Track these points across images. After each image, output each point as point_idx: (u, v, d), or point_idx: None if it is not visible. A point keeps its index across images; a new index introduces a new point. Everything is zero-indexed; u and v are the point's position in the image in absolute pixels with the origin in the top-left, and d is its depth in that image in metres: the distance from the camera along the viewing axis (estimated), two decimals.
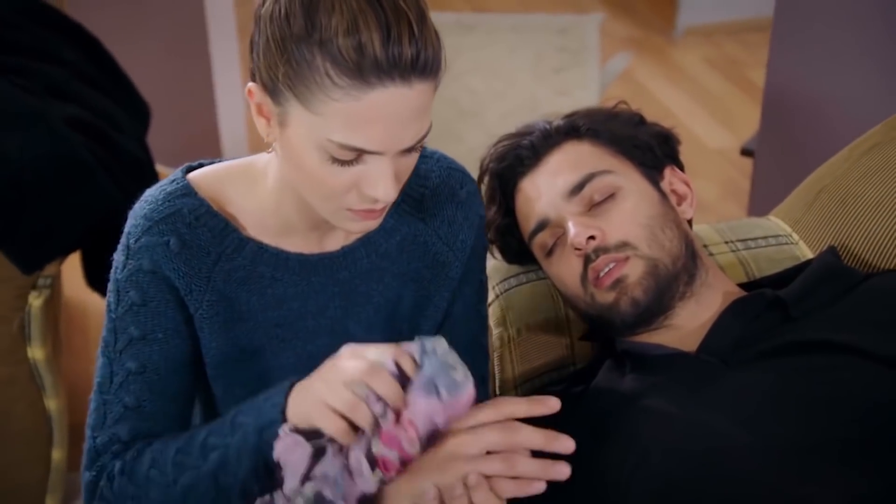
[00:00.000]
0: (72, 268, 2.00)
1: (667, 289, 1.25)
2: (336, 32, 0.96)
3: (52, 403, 1.89)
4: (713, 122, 3.52)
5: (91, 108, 1.92)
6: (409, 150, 1.04)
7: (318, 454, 1.02)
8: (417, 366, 1.02)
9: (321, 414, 1.01)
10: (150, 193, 1.16)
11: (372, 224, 1.09)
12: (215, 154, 2.78)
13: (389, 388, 1.00)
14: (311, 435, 1.02)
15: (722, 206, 3.04)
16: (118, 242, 1.15)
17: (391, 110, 0.99)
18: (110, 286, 1.16)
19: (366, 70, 0.96)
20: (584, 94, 3.56)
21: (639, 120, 1.39)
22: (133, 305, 1.14)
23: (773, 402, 1.14)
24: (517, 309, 1.41)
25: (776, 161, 2.22)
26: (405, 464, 1.02)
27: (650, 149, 1.35)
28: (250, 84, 1.05)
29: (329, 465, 1.02)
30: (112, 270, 1.16)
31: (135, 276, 1.13)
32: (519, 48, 4.02)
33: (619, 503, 1.13)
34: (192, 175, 1.17)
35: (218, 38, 2.90)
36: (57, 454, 1.93)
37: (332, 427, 1.01)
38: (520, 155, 1.35)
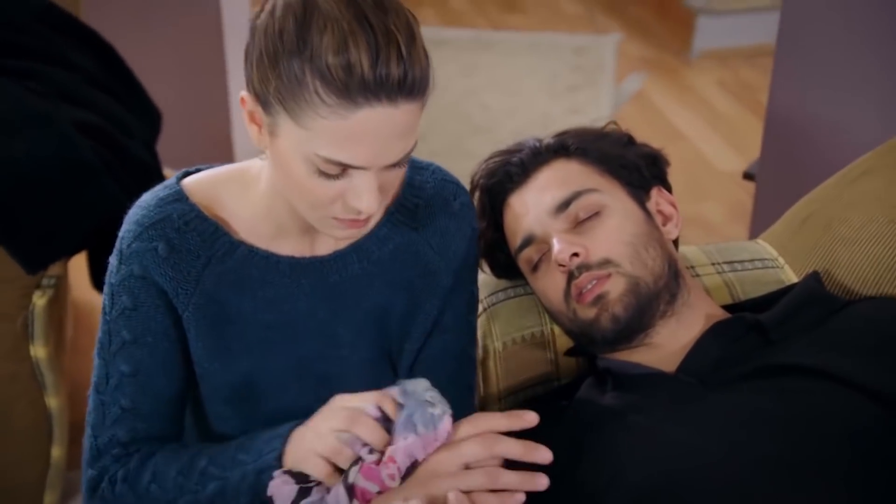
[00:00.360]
0: (80, 269, 2.03)
1: (647, 307, 1.27)
2: (326, 51, 0.98)
3: (52, 401, 1.92)
4: (724, 144, 3.53)
5: (101, 113, 1.96)
6: (394, 165, 1.07)
7: (304, 493, 1.09)
8: (399, 406, 1.08)
9: (308, 460, 1.08)
10: (144, 198, 1.20)
11: (358, 232, 1.12)
12: (228, 160, 2.82)
13: (372, 433, 1.07)
14: (302, 477, 1.09)
15: (728, 228, 3.05)
16: None
17: (377, 129, 1.01)
18: (105, 289, 1.20)
19: (354, 90, 0.99)
20: (596, 113, 3.58)
21: (627, 140, 1.41)
22: (125, 310, 1.18)
23: (747, 423, 1.16)
24: (503, 322, 1.43)
25: (777, 185, 2.23)
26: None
27: (637, 169, 1.37)
28: (243, 93, 1.08)
29: (312, 500, 1.08)
30: (107, 273, 1.20)
31: (127, 282, 1.17)
32: (535, 66, 4.05)
33: None
34: (185, 181, 1.20)
35: (233, 46, 2.94)
36: (56, 452, 1.96)
37: (317, 470, 1.08)
38: (509, 171, 1.37)
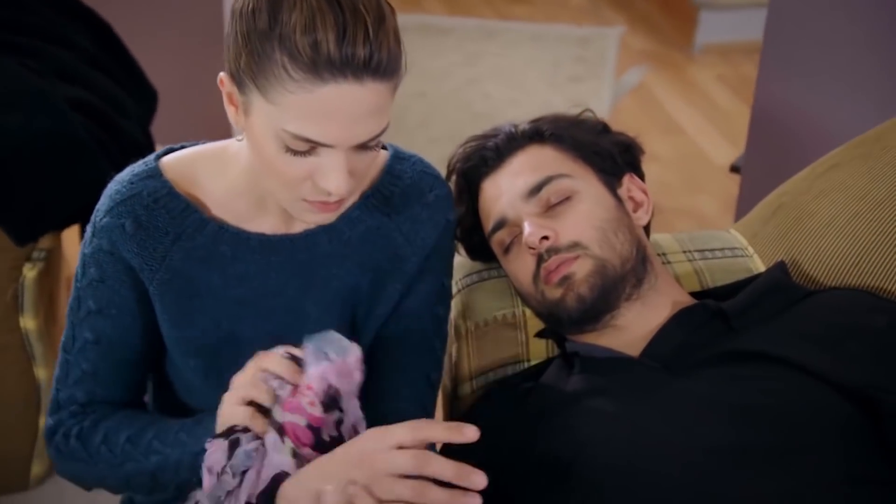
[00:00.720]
0: (76, 244, 2.07)
1: (613, 288, 1.30)
2: (294, 29, 1.01)
3: (41, 372, 1.96)
4: (721, 139, 3.55)
5: (98, 92, 1.99)
6: (364, 148, 1.09)
7: (234, 444, 1.09)
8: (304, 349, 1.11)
9: (230, 409, 1.11)
10: (122, 173, 1.23)
11: (328, 217, 1.14)
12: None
13: (281, 365, 1.09)
14: (228, 433, 1.10)
15: (721, 221, 3.07)
16: None
17: (343, 106, 1.04)
18: (79, 258, 1.24)
19: (320, 66, 1.01)
20: (597, 105, 3.60)
21: (602, 128, 1.44)
22: (93, 281, 1.22)
23: (706, 407, 1.19)
24: (477, 303, 1.46)
25: (761, 177, 2.26)
26: (315, 431, 1.08)
27: (611, 156, 1.40)
28: (221, 74, 1.11)
29: (242, 449, 1.08)
30: (82, 243, 1.24)
31: (96, 255, 1.21)
32: (538, 57, 4.07)
33: (555, 493, 1.18)
34: (164, 158, 1.23)
35: None
36: (44, 421, 2.00)
37: (240, 414, 1.10)
38: (484, 156, 1.40)
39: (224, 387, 1.18)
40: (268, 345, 1.23)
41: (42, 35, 2.03)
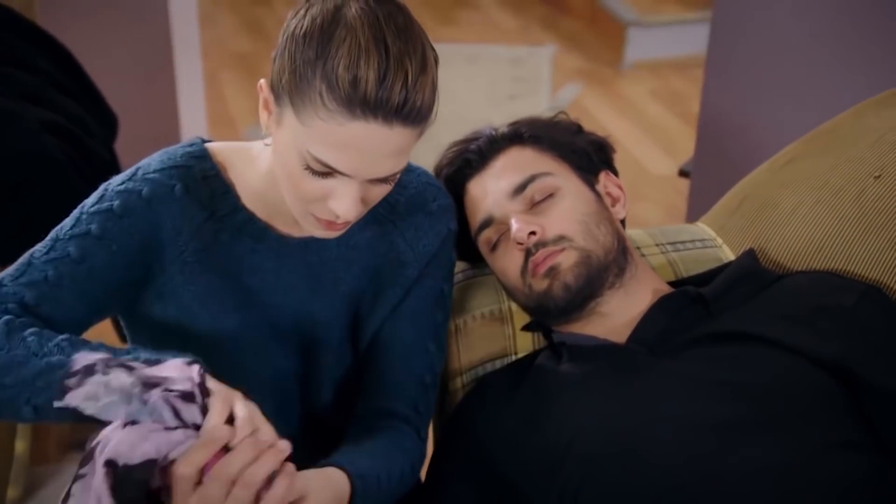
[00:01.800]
0: None
1: (597, 276, 1.36)
2: (339, 62, 1.06)
3: None
4: (657, 149, 3.67)
5: (64, 114, 2.01)
6: (380, 181, 1.14)
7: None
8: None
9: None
10: (170, 149, 1.26)
11: (331, 234, 1.20)
12: None
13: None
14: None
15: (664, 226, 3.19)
16: None
17: (368, 143, 1.09)
18: (97, 191, 1.22)
19: (355, 103, 1.06)
20: None
21: (577, 129, 1.51)
22: (110, 211, 1.20)
23: (692, 386, 1.25)
24: (463, 301, 1.52)
25: (709, 179, 2.37)
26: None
27: (587, 155, 1.47)
28: (262, 81, 1.16)
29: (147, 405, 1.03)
30: (107, 182, 1.23)
31: (128, 194, 1.21)
32: (474, 76, 4.17)
33: (555, 477, 1.24)
34: (208, 144, 1.28)
35: (183, 59, 3.01)
36: (20, 446, 2.00)
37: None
38: (468, 159, 1.46)
39: (236, 375, 1.14)
40: (278, 338, 1.28)
41: (6, 60, 2.04)
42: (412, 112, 1.08)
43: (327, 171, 1.11)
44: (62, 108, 2.03)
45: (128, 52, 2.93)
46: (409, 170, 1.36)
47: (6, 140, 1.82)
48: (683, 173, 2.48)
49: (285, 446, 1.04)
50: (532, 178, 1.40)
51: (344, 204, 1.13)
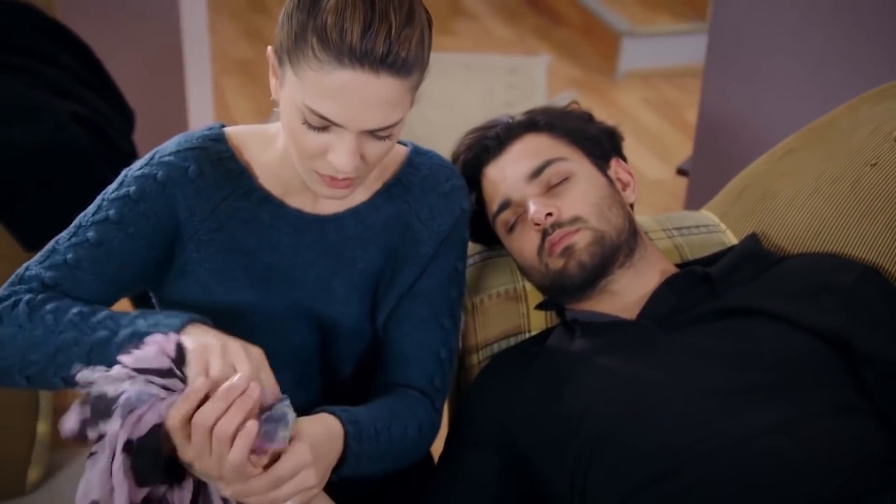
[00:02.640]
0: None
1: (610, 255, 1.43)
2: (327, 14, 1.14)
3: None
4: (651, 155, 3.76)
5: (88, 106, 2.08)
6: (376, 136, 1.21)
7: (145, 381, 1.10)
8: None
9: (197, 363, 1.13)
10: (188, 133, 1.33)
11: (339, 193, 1.26)
12: None
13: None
14: (148, 372, 1.11)
15: None
16: None
17: (357, 91, 1.16)
18: (118, 177, 1.30)
19: (342, 52, 1.14)
20: None
21: (588, 117, 1.58)
22: (127, 196, 1.27)
23: (700, 357, 1.32)
24: (479, 281, 1.59)
25: (707, 175, 2.45)
26: None
27: (598, 141, 1.54)
28: (269, 48, 1.24)
29: (145, 390, 1.10)
30: (126, 169, 1.31)
31: (144, 179, 1.28)
32: (471, 84, 4.24)
33: (570, 443, 1.30)
34: (225, 128, 1.35)
35: (191, 50, 3.09)
36: (42, 427, 2.05)
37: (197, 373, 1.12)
38: (486, 145, 1.53)
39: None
40: (295, 315, 1.33)
41: (32, 55, 2.11)
42: (397, 62, 1.15)
43: (324, 125, 1.18)
44: (86, 100, 2.10)
45: (140, 56, 3.00)
46: (422, 152, 1.42)
47: (37, 130, 1.88)
48: (682, 171, 2.56)
49: (253, 390, 1.09)
50: (548, 163, 1.47)
51: (342, 156, 1.19)
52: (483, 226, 1.56)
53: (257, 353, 1.16)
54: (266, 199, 1.33)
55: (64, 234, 1.28)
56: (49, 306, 1.21)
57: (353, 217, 1.36)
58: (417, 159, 1.41)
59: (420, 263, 1.39)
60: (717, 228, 1.68)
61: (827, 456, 1.21)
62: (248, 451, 1.07)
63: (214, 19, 4.38)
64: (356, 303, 1.38)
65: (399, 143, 1.42)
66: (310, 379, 1.41)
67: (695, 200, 2.51)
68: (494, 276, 1.59)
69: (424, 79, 1.23)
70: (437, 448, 1.46)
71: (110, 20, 2.92)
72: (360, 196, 1.37)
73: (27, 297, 1.22)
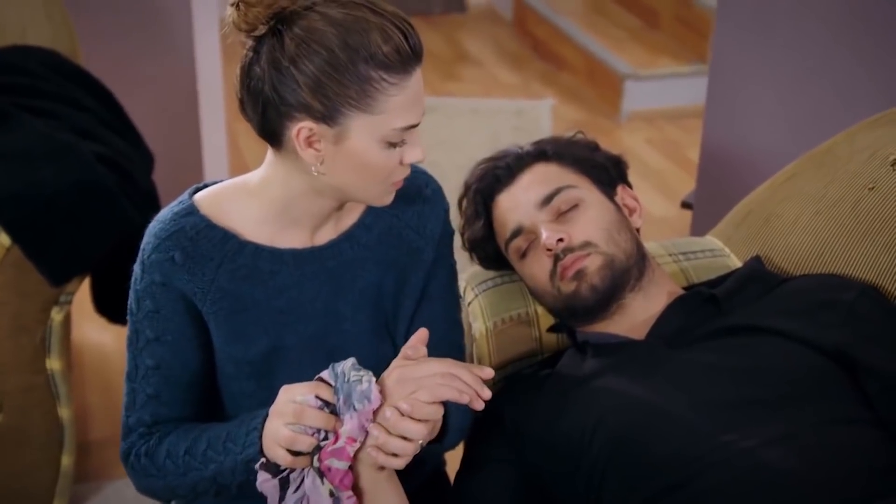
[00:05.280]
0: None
1: (621, 279, 1.49)
2: (377, 46, 1.21)
3: (64, 412, 2.06)
4: (656, 193, 3.82)
5: (111, 148, 2.15)
6: None
7: (284, 484, 1.26)
8: (334, 389, 1.26)
9: (273, 450, 1.26)
10: (161, 214, 1.38)
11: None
12: None
13: (318, 419, 1.24)
14: (276, 467, 1.27)
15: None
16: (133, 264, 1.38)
17: (418, 87, 1.26)
18: (131, 294, 1.38)
19: (406, 62, 1.23)
20: None
21: (595, 146, 1.65)
22: (149, 312, 1.36)
23: (707, 373, 1.37)
24: (492, 306, 1.63)
25: (710, 207, 2.51)
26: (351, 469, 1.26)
27: (605, 169, 1.60)
28: (298, 125, 1.23)
29: (298, 496, 1.26)
30: (132, 280, 1.38)
31: (149, 288, 1.35)
32: (477, 127, 4.32)
33: (583, 458, 1.35)
34: (196, 196, 1.38)
35: (206, 96, 3.18)
36: (66, 460, 2.09)
37: (282, 459, 1.25)
38: (497, 174, 1.58)
39: (274, 390, 1.31)
40: (309, 348, 1.39)
41: (57, 98, 2.19)
42: (422, 48, 1.26)
43: (404, 136, 1.27)
44: (109, 142, 2.17)
45: (158, 101, 3.08)
46: None
47: (64, 171, 1.95)
48: (686, 205, 2.62)
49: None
50: (558, 191, 1.53)
51: (419, 149, 1.29)
52: (496, 252, 1.61)
53: (284, 398, 1.27)
54: (258, 249, 1.36)
55: (130, 370, 1.39)
56: (162, 452, 1.36)
57: (347, 241, 1.41)
58: None
59: (424, 269, 1.46)
60: (721, 253, 1.73)
61: (831, 465, 1.25)
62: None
63: (227, 67, 4.47)
64: (364, 319, 1.43)
65: None
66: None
67: (699, 231, 2.57)
68: (507, 301, 1.64)
69: None
70: (453, 466, 1.50)
71: (130, 68, 3.00)
72: (349, 219, 1.42)
73: (143, 447, 1.38)
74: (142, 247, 1.36)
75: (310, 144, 1.25)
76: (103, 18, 2.94)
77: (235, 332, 1.38)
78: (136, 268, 1.37)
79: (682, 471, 1.27)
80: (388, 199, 1.34)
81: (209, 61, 3.13)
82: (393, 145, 1.27)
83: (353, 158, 1.27)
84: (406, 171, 1.31)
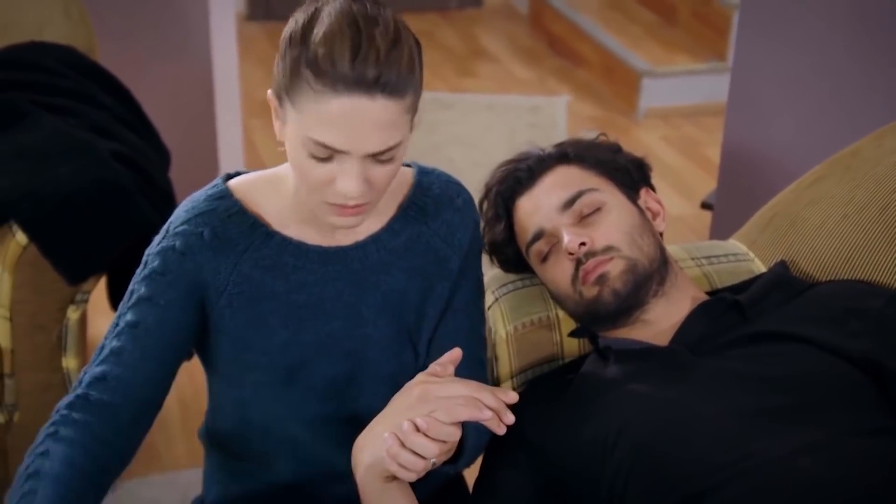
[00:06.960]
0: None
1: (643, 284, 1.47)
2: (318, 46, 1.19)
3: None
4: (673, 192, 3.80)
5: (128, 145, 2.14)
6: (378, 160, 1.24)
7: None
8: None
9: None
10: (194, 195, 1.38)
11: (351, 221, 1.30)
12: None
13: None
14: None
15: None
16: None
17: (355, 116, 1.19)
18: (142, 259, 1.36)
19: (336, 80, 1.18)
20: None
21: (617, 148, 1.63)
22: (153, 272, 1.33)
23: (731, 380, 1.35)
24: (513, 309, 1.61)
25: (730, 208, 2.49)
26: None
27: (628, 172, 1.59)
28: (269, 91, 1.27)
29: None
30: (148, 248, 1.36)
31: (164, 252, 1.33)
32: (493, 124, 4.30)
33: (606, 466, 1.33)
34: (230, 182, 1.39)
35: (222, 92, 3.17)
36: None
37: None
38: (518, 177, 1.57)
39: (292, 388, 1.30)
40: (328, 347, 1.37)
41: (74, 96, 2.18)
42: (389, 83, 1.18)
43: (328, 154, 1.22)
44: (126, 139, 2.16)
45: (174, 99, 3.07)
46: (427, 171, 1.47)
47: (81, 168, 1.94)
48: (706, 205, 2.60)
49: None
50: (580, 194, 1.51)
51: (348, 182, 1.22)
52: (517, 255, 1.60)
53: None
54: (285, 241, 1.37)
55: (107, 332, 1.34)
56: (46, 443, 1.27)
57: (374, 244, 1.40)
58: (426, 180, 1.46)
59: (450, 279, 1.44)
60: (745, 257, 1.71)
61: (856, 475, 1.23)
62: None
63: (242, 65, 4.47)
64: (385, 324, 1.42)
65: (403, 164, 1.47)
66: (342, 405, 1.44)
67: (719, 233, 2.55)
68: (528, 305, 1.62)
69: (419, 98, 1.26)
70: (472, 472, 1.49)
71: (147, 65, 3.00)
72: (377, 223, 1.41)
73: (56, 416, 1.30)
74: (169, 220, 1.36)
75: (276, 115, 1.27)
76: (121, 15, 2.94)
77: (256, 318, 1.36)
78: (156, 238, 1.36)
79: (708, 479, 1.25)
80: (329, 219, 1.30)
81: (226, 59, 3.13)
82: (318, 159, 1.23)
83: (290, 150, 1.27)
84: (340, 198, 1.25)
